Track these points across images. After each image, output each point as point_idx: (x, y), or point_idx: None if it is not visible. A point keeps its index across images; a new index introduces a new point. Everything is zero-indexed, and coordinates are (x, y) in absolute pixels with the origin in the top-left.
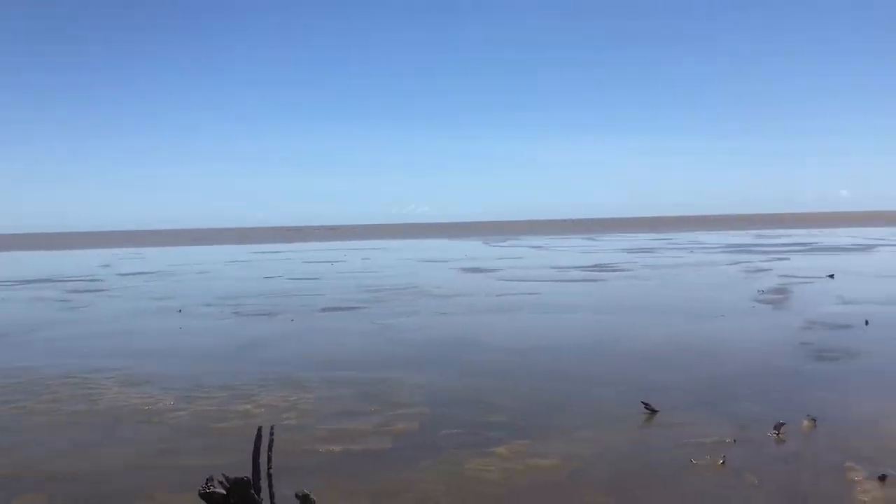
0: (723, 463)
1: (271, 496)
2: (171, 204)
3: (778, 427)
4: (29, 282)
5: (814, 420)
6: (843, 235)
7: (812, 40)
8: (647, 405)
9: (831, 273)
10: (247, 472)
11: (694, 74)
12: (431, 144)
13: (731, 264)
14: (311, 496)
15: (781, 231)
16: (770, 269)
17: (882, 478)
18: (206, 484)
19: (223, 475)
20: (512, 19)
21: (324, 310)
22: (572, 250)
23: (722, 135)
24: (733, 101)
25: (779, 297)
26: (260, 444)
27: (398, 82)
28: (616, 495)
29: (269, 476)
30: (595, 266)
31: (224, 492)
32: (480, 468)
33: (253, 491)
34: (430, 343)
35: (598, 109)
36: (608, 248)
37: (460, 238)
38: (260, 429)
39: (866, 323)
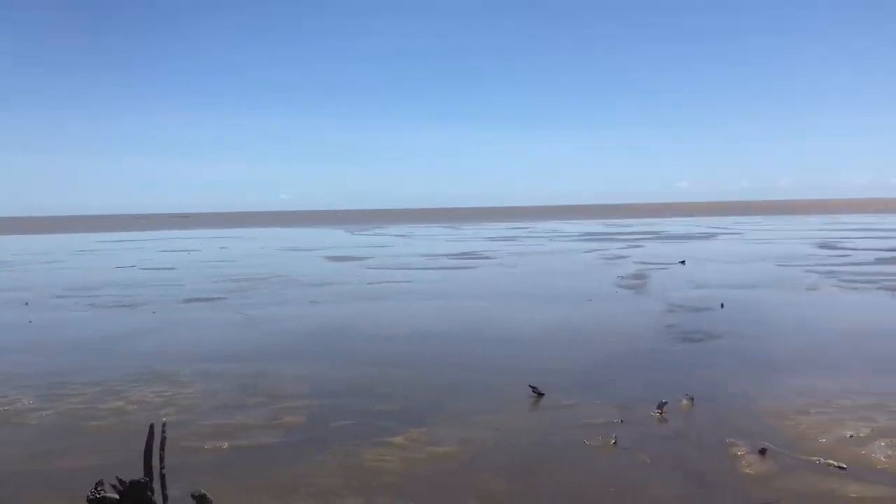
0: (615, 443)
1: (164, 498)
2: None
3: (660, 406)
4: None
5: (691, 399)
6: (687, 224)
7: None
8: (534, 388)
9: (682, 259)
10: (131, 473)
11: (553, 68)
12: (289, 131)
13: (589, 252)
14: (208, 496)
15: (630, 220)
16: (627, 256)
17: (762, 451)
18: (96, 488)
19: (116, 478)
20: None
21: (186, 301)
22: (437, 238)
23: (570, 129)
24: (586, 95)
25: (638, 282)
26: (152, 442)
27: (248, 60)
28: (518, 478)
29: (163, 476)
30: (462, 254)
31: (117, 496)
32: (378, 458)
33: (150, 493)
34: (304, 333)
35: (462, 102)
36: (471, 236)
37: (321, 227)
38: (152, 426)
39: (722, 306)
